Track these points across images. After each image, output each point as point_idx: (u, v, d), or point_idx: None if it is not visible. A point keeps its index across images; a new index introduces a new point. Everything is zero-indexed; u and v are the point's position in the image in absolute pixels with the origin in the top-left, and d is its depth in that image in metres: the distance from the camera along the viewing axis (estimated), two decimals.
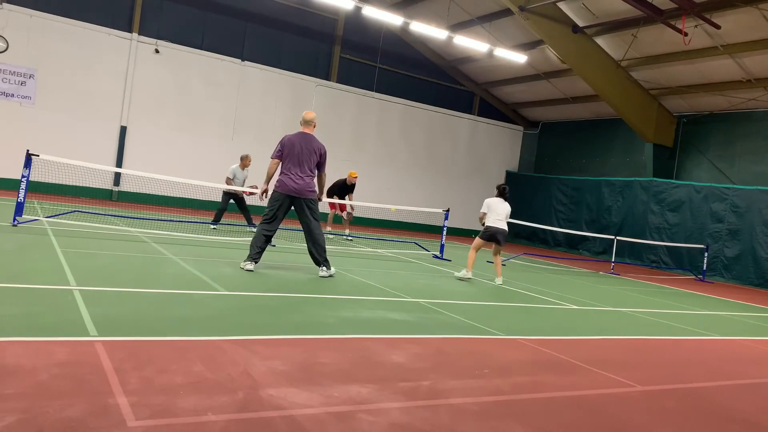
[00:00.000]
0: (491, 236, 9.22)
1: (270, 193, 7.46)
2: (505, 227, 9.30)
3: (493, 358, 4.41)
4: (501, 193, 9.51)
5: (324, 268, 7.31)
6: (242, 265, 7.09)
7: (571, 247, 20.47)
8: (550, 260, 15.90)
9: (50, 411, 2.50)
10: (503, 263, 12.75)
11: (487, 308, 6.77)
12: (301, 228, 7.43)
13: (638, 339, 6.12)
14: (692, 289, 12.39)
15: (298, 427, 2.67)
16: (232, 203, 12.27)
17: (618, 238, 15.83)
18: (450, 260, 11.66)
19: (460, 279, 8.88)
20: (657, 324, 7.13)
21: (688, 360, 5.40)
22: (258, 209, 15.61)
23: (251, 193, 12.17)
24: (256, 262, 7.10)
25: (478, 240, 9.30)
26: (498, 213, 9.26)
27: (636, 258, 18.16)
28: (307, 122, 7.36)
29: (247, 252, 7.18)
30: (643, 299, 9.65)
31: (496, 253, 9.52)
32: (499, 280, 9.12)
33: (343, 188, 14.24)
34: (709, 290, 12.74)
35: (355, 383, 3.38)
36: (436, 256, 12.21)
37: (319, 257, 7.31)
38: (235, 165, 12.30)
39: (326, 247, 7.43)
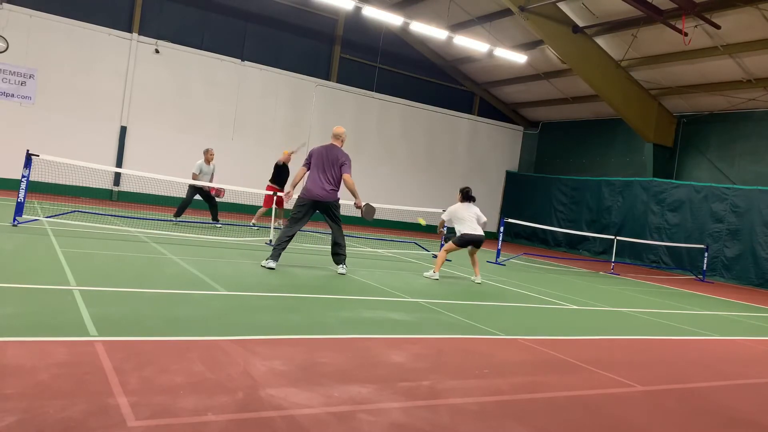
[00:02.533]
0: (466, 243, 8.82)
1: (295, 197, 8.05)
2: (482, 233, 8.83)
3: (493, 358, 4.41)
4: (466, 196, 9.03)
5: (342, 266, 7.86)
6: (263, 263, 7.49)
7: (571, 247, 20.47)
8: (550, 260, 15.90)
9: (50, 411, 2.50)
10: (503, 263, 12.74)
11: (487, 308, 6.77)
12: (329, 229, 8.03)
13: (638, 339, 6.12)
14: (692, 289, 12.38)
15: (298, 427, 2.67)
16: (198, 199, 12.28)
17: (618, 238, 15.83)
18: (450, 260, 11.65)
19: (428, 278, 8.59)
20: (657, 324, 7.13)
21: (688, 360, 5.39)
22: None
23: (217, 192, 12.15)
24: (276, 260, 7.52)
25: (450, 245, 8.92)
26: (468, 219, 8.81)
27: (636, 258, 18.16)
28: (335, 136, 7.98)
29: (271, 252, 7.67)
30: (643, 299, 9.65)
31: (473, 254, 9.08)
32: (477, 279, 8.88)
33: (281, 172, 13.29)
34: (709, 290, 12.74)
35: (355, 383, 3.38)
36: (436, 256, 12.19)
37: (338, 257, 7.88)
38: (200, 160, 12.34)
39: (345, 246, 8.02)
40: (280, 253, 7.56)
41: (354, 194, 7.84)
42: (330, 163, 7.67)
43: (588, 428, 3.18)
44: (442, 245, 12.48)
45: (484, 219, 9.01)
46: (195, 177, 12.14)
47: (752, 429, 3.56)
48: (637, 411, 3.56)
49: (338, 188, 7.76)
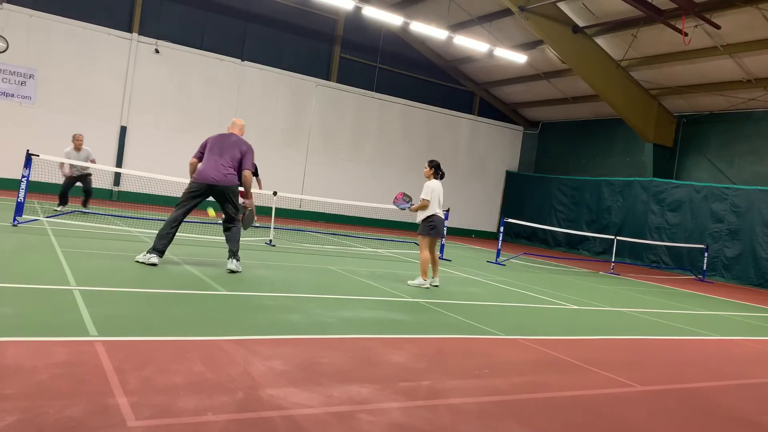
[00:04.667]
0: (439, 231, 7.77)
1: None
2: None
3: (493, 358, 4.41)
4: (438, 170, 7.90)
5: (233, 260, 6.90)
6: (142, 258, 6.64)
7: (571, 247, 20.47)
8: (550, 260, 15.90)
9: (50, 411, 2.50)
10: (503, 263, 12.74)
11: (487, 308, 6.77)
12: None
13: (638, 339, 6.12)
14: (692, 289, 12.38)
15: (298, 427, 2.67)
16: (79, 185, 11.86)
17: (618, 238, 15.83)
18: (450, 260, 11.66)
19: (417, 287, 7.53)
20: (657, 324, 7.13)
21: (688, 360, 5.39)
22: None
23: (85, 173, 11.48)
24: (161, 255, 6.73)
25: (424, 239, 7.70)
26: (440, 200, 7.75)
27: (636, 258, 18.16)
28: (238, 126, 7.41)
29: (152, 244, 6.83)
30: (643, 299, 9.65)
31: (435, 247, 7.93)
32: (436, 281, 7.86)
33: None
34: (709, 290, 12.74)
35: (355, 383, 3.37)
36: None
37: (230, 249, 7.00)
38: (68, 148, 11.66)
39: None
40: (166, 247, 6.74)
41: (247, 191, 7.12)
42: (228, 146, 7.00)
43: (588, 428, 3.18)
44: (442, 247, 12.48)
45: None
46: (63, 165, 11.44)
47: (752, 429, 3.56)
48: (637, 411, 3.56)
49: (236, 173, 7.00)
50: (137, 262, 6.64)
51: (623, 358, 5.05)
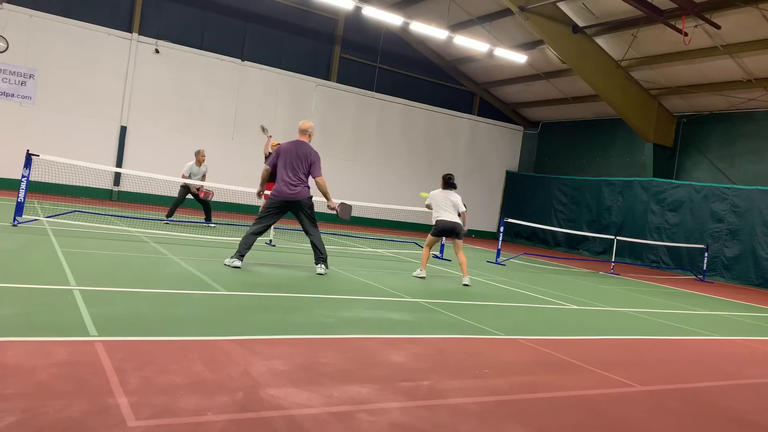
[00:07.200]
0: (441, 231, 8.53)
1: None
2: (457, 219, 8.49)
3: (493, 358, 4.41)
4: (447, 183, 8.71)
5: (321, 265, 7.65)
6: (227, 261, 7.29)
7: (571, 247, 20.47)
8: (550, 260, 15.90)
9: (50, 411, 2.50)
10: (503, 263, 12.73)
11: (487, 308, 6.77)
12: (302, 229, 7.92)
13: (638, 339, 6.12)
14: (692, 289, 12.38)
15: (298, 427, 2.67)
16: (190, 198, 12.25)
17: (618, 238, 15.82)
18: (450, 260, 11.65)
19: (416, 277, 8.40)
20: (657, 324, 7.13)
21: (688, 360, 5.39)
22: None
23: (206, 194, 12.07)
24: (241, 260, 7.33)
25: (428, 237, 8.72)
26: (444, 206, 8.53)
27: (636, 258, 18.16)
28: (302, 131, 7.80)
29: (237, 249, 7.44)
30: (643, 299, 9.65)
31: (457, 249, 8.56)
32: (466, 280, 8.30)
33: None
34: (709, 290, 12.73)
35: (355, 383, 3.38)
36: (436, 256, 12.19)
37: (318, 257, 7.73)
38: (191, 162, 12.26)
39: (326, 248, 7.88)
40: (246, 252, 7.35)
41: (326, 196, 7.72)
42: (300, 159, 7.48)
43: (588, 428, 3.18)
44: (442, 247, 12.48)
45: (462, 208, 8.64)
46: (184, 178, 12.02)
47: (752, 429, 3.56)
48: (637, 411, 3.56)
49: (308, 184, 7.59)
50: (225, 264, 7.22)
51: (623, 358, 5.05)
